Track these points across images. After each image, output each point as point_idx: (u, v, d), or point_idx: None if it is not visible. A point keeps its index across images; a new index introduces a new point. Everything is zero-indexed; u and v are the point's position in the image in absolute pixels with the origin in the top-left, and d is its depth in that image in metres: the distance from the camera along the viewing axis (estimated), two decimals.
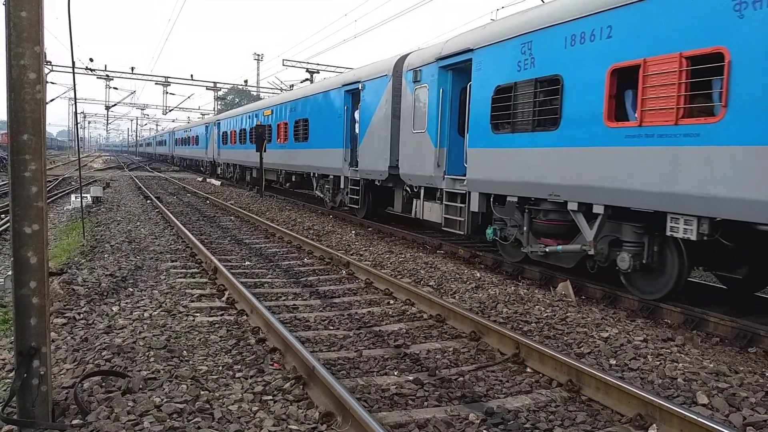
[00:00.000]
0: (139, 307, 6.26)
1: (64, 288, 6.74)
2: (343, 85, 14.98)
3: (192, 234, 11.14)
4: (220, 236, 12.14)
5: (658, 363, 4.94)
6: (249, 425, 3.64)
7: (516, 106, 8.28)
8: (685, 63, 5.89)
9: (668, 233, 6.22)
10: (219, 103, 59.36)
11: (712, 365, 4.89)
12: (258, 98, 49.20)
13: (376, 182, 13.40)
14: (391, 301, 7.06)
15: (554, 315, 6.38)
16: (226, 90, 60.58)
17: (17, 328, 3.34)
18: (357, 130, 14.44)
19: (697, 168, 5.81)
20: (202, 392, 4.04)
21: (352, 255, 9.82)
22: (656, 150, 6.20)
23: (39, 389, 3.37)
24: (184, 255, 9.59)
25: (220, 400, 3.94)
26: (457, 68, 10.12)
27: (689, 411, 3.69)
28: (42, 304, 3.35)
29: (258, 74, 54.91)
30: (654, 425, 3.76)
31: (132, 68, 44.07)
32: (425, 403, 4.16)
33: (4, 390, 4.10)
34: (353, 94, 14.62)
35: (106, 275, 7.68)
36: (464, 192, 9.75)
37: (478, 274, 8.50)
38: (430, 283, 7.97)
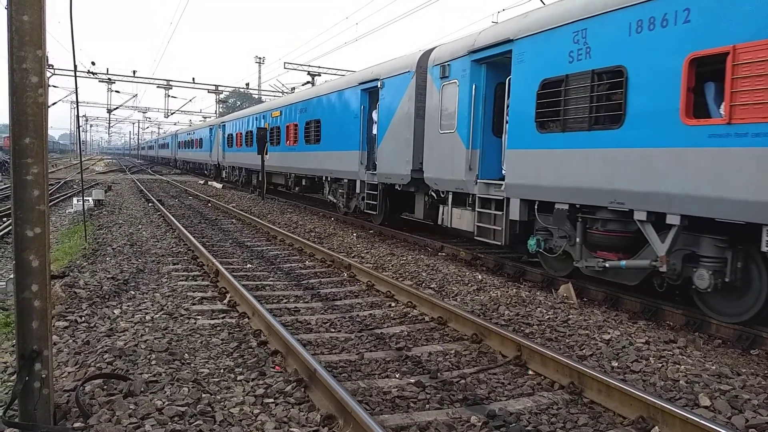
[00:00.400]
0: (140, 309, 6.26)
1: (65, 291, 6.75)
2: (360, 84, 14.00)
3: (193, 237, 11.15)
4: (221, 239, 12.14)
5: (660, 365, 4.93)
6: (250, 428, 3.64)
7: (567, 102, 7.41)
8: None
9: (764, 248, 5.33)
10: (221, 106, 59.52)
11: (714, 367, 4.88)
12: (260, 101, 49.28)
13: (396, 187, 12.38)
14: (393, 304, 7.06)
15: (556, 317, 6.37)
16: (227, 93, 60.78)
17: (19, 331, 3.34)
18: (375, 132, 13.62)
19: None
20: (203, 395, 4.04)
21: (353, 257, 9.81)
22: (751, 151, 5.33)
23: (41, 392, 3.37)
24: (185, 258, 9.59)
25: (222, 403, 3.94)
26: (492, 62, 9.31)
27: (691, 413, 3.69)
28: (44, 307, 3.36)
29: (259, 77, 55.29)
30: (656, 427, 3.76)
31: (134, 71, 44.14)
32: (427, 406, 4.16)
33: (6, 393, 4.11)
34: (371, 92, 13.70)
35: (108, 278, 7.68)
36: (501, 198, 8.81)
37: (480, 277, 8.50)
38: (432, 286, 7.97)
